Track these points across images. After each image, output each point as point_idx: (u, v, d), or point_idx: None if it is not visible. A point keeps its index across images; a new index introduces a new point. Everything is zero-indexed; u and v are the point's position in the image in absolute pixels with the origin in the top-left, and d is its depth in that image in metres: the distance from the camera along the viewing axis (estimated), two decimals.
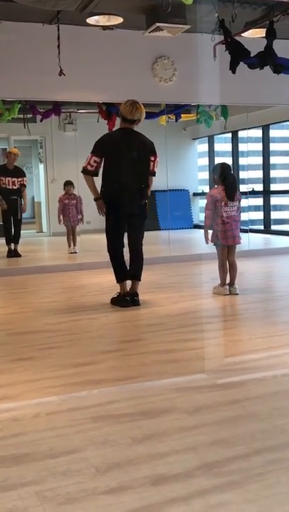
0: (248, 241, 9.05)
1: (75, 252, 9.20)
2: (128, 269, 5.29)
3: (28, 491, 2.04)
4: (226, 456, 2.26)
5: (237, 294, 5.55)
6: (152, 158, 5.26)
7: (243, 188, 9.09)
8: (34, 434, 2.53)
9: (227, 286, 5.58)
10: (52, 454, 2.32)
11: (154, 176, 5.35)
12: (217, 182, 5.61)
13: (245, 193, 8.62)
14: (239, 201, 5.66)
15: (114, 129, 5.52)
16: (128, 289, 5.22)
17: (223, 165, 5.78)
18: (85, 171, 5.19)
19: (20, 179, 9.14)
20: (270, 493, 2.00)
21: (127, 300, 5.15)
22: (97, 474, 2.15)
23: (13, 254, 9.03)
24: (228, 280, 5.61)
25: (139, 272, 5.29)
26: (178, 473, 2.14)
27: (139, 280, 5.30)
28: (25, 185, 9.31)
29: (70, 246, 9.33)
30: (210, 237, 5.63)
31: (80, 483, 2.09)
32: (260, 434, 2.45)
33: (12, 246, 9.09)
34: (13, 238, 9.16)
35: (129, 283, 5.26)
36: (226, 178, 5.55)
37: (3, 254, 9.07)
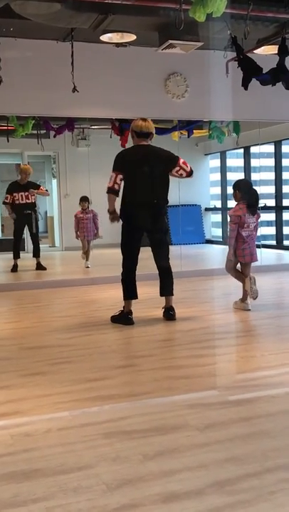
0: (261, 256, 9.01)
1: (88, 267, 9.22)
2: (160, 286, 5.29)
3: (39, 508, 2.04)
4: (237, 474, 2.24)
5: (249, 309, 5.53)
6: (177, 169, 5.16)
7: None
8: (45, 449, 2.52)
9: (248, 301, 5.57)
10: (63, 470, 2.31)
11: (192, 175, 5.25)
12: (239, 198, 5.58)
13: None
14: (257, 218, 5.64)
15: (127, 146, 5.52)
16: (130, 308, 5.20)
17: (245, 181, 5.76)
18: (111, 191, 5.09)
19: (31, 191, 9.17)
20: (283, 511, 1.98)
21: (130, 318, 5.13)
22: (107, 491, 2.14)
23: (37, 267, 9.06)
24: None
25: (171, 287, 5.28)
26: (189, 490, 2.13)
27: (172, 295, 5.30)
28: (42, 190, 9.44)
29: (87, 260, 9.33)
30: (227, 254, 5.62)
31: (90, 499, 2.08)
32: (272, 452, 2.43)
33: (35, 260, 9.15)
34: (33, 253, 9.21)
35: (134, 301, 5.24)
36: (247, 194, 5.53)
37: (29, 267, 9.12)
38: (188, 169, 5.21)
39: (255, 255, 5.60)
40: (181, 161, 5.21)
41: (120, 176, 5.06)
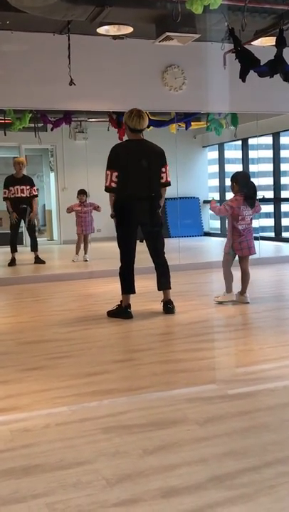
0: (259, 249, 9.01)
1: (86, 260, 9.21)
2: (157, 280, 5.29)
3: (38, 504, 2.03)
4: (237, 468, 2.24)
5: (248, 302, 5.53)
6: (163, 170, 5.20)
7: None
8: (44, 444, 2.52)
9: (234, 293, 5.54)
10: (62, 466, 2.31)
11: (169, 185, 5.28)
12: (236, 191, 5.57)
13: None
14: (256, 211, 5.63)
15: (123, 140, 5.48)
16: (129, 302, 5.19)
17: (243, 173, 5.74)
18: (109, 190, 5.08)
19: (28, 187, 9.14)
20: (283, 506, 1.98)
21: (128, 312, 5.12)
22: (107, 486, 2.14)
23: (35, 261, 9.04)
24: (234, 288, 5.58)
25: (168, 281, 5.29)
26: (189, 485, 2.13)
27: (170, 288, 5.30)
28: (36, 195, 9.33)
29: (77, 254, 9.31)
30: (224, 246, 5.61)
31: (90, 495, 2.08)
32: (272, 446, 2.43)
33: (33, 254, 9.13)
34: (31, 247, 9.19)
35: (132, 295, 5.23)
36: (244, 187, 5.52)
37: (27, 261, 9.10)
38: (168, 178, 5.23)
39: (252, 248, 5.59)
40: (168, 167, 5.24)
41: (116, 174, 5.02)
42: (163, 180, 5.22)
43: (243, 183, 5.57)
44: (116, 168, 5.03)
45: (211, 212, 12.21)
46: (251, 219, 5.60)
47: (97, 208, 9.19)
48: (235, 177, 5.66)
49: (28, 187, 9.13)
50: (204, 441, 2.50)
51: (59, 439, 2.58)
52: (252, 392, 3.12)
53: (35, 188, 9.34)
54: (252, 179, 5.85)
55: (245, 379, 3.38)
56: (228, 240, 5.60)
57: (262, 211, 5.96)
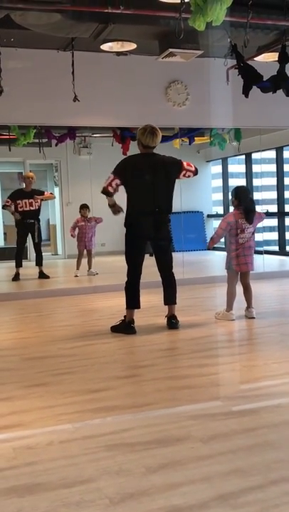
0: (263, 263, 9.02)
1: (97, 274, 9.17)
2: (163, 294, 5.30)
3: None
4: (241, 487, 2.22)
5: (254, 317, 5.51)
6: (184, 173, 5.24)
7: (258, 209, 9.09)
8: (47, 462, 2.51)
9: (234, 312, 5.53)
10: (65, 484, 2.30)
11: (197, 173, 5.39)
12: (236, 205, 5.58)
13: None
14: (258, 222, 5.64)
15: (132, 154, 5.50)
16: (132, 317, 5.18)
17: (242, 188, 5.76)
18: (105, 192, 5.14)
19: (36, 197, 9.17)
20: None
21: (132, 327, 5.11)
22: (110, 505, 2.12)
23: (40, 276, 9.07)
24: (235, 305, 5.56)
25: (174, 296, 5.30)
26: (193, 504, 2.11)
27: (175, 304, 5.31)
28: (47, 194, 9.53)
29: (77, 269, 9.31)
30: (224, 262, 5.62)
31: None
32: (276, 464, 2.41)
33: (37, 269, 9.16)
34: (36, 262, 9.21)
35: (137, 310, 5.23)
36: (244, 201, 5.52)
37: (31, 276, 9.11)
38: (193, 169, 5.32)
39: (250, 264, 5.56)
40: (185, 163, 5.28)
41: (117, 181, 5.07)
42: (191, 176, 5.32)
43: (242, 197, 5.59)
44: (120, 175, 5.08)
45: (214, 226, 12.25)
46: (253, 233, 5.59)
47: (98, 220, 9.23)
48: (234, 191, 5.69)
49: (37, 200, 9.15)
50: (208, 459, 2.48)
51: (62, 456, 2.56)
52: (256, 409, 3.10)
53: (46, 192, 9.50)
54: (256, 193, 5.86)
55: (250, 395, 3.36)
56: (226, 256, 5.62)
57: (266, 225, 5.96)
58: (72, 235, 9.43)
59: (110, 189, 5.09)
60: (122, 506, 2.11)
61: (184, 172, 5.25)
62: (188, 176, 5.31)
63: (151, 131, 5.11)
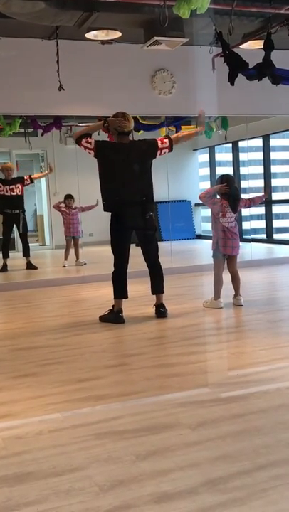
0: (251, 251, 9.06)
1: (85, 264, 9.16)
2: (150, 284, 5.30)
3: (31, 511, 2.03)
4: (229, 472, 2.24)
5: (242, 305, 5.54)
6: (159, 152, 5.15)
7: (244, 197, 9.11)
8: (37, 452, 2.52)
9: (221, 300, 5.56)
10: (55, 473, 2.31)
11: (172, 148, 5.22)
12: (221, 194, 5.59)
13: None
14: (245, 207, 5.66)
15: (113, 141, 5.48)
16: (121, 307, 5.18)
17: (226, 176, 5.77)
18: (75, 137, 5.16)
19: (19, 186, 9.09)
20: (275, 509, 1.99)
21: (120, 317, 5.11)
22: (100, 493, 2.13)
23: (27, 267, 9.03)
24: (222, 293, 5.59)
25: (161, 285, 5.30)
26: (182, 490, 2.13)
27: (163, 292, 5.31)
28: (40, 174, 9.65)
29: (65, 259, 9.29)
30: (211, 245, 5.64)
31: (83, 502, 2.08)
32: (264, 449, 2.43)
33: (25, 259, 9.11)
34: (23, 252, 9.17)
35: (125, 300, 5.23)
36: (230, 189, 5.53)
37: (19, 267, 9.07)
38: (167, 145, 5.19)
39: (236, 249, 5.60)
40: (159, 142, 5.19)
41: (90, 140, 5.04)
42: (168, 152, 5.19)
43: (227, 185, 5.59)
44: (95, 142, 5.05)
45: (202, 215, 12.28)
46: (235, 218, 5.61)
47: (84, 209, 9.23)
48: (220, 180, 5.70)
49: (18, 186, 9.09)
50: (197, 446, 2.50)
51: (51, 445, 2.57)
52: (244, 395, 3.12)
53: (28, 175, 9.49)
54: (243, 181, 5.87)
55: (238, 382, 3.39)
56: (213, 237, 5.64)
57: (253, 213, 5.98)
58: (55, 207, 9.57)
59: (83, 141, 5.05)
60: (112, 493, 2.13)
61: (159, 151, 5.18)
62: (164, 153, 5.21)
63: (122, 116, 5.13)
